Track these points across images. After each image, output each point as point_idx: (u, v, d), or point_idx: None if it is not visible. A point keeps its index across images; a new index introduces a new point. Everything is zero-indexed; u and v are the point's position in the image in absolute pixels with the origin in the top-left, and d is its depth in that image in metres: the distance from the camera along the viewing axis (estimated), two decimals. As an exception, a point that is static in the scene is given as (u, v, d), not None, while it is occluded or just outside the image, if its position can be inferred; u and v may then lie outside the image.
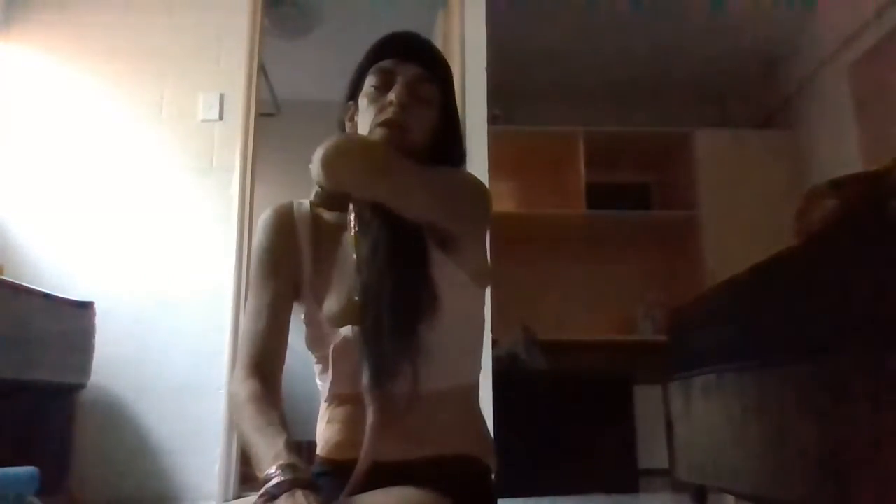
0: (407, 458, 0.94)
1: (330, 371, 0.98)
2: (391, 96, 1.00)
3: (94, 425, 2.43)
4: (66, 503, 2.20)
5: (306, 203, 1.07)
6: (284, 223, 1.06)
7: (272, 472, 0.81)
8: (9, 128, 2.76)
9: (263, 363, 0.98)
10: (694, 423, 2.22)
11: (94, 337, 2.38)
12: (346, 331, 0.97)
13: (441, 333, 0.95)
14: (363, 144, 0.99)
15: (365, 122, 1.02)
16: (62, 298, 2.28)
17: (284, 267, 1.04)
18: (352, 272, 0.97)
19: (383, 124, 0.98)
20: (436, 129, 1.05)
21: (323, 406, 1.04)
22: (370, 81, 1.03)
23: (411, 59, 1.03)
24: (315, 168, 0.92)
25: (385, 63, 1.03)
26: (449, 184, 1.01)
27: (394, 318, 0.92)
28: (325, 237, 1.05)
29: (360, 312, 0.94)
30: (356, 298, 0.95)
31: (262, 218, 1.08)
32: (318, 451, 1.03)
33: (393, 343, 0.91)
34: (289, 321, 1.04)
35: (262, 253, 1.06)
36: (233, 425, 2.51)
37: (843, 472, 1.33)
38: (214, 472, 2.47)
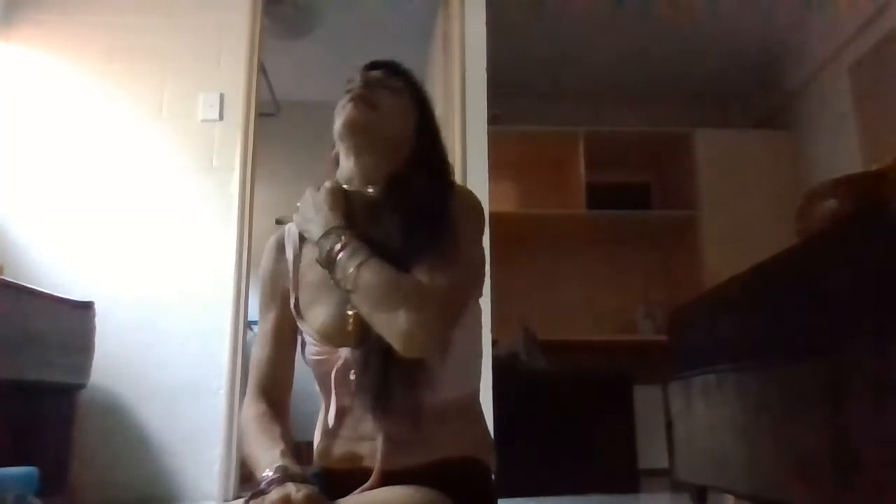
0: (408, 465, 0.94)
1: (332, 391, 0.98)
2: (357, 80, 1.04)
3: (94, 425, 2.43)
4: (66, 503, 2.20)
5: None
6: (278, 246, 1.10)
7: (267, 474, 0.85)
8: (9, 128, 2.76)
9: (269, 387, 1.04)
10: (694, 423, 2.22)
11: (94, 337, 2.38)
12: (345, 352, 0.97)
13: (449, 350, 0.95)
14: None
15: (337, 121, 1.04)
16: (62, 298, 2.27)
17: (280, 291, 1.07)
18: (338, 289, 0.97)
19: (349, 100, 1.01)
20: (415, 128, 1.07)
21: (321, 417, 1.04)
22: (342, 91, 1.07)
23: (374, 68, 1.08)
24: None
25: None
26: (469, 259, 0.98)
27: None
28: (310, 252, 1.04)
29: (359, 333, 0.94)
30: (351, 313, 0.95)
31: (266, 245, 1.12)
32: (315, 458, 1.03)
33: (396, 365, 0.91)
34: (293, 343, 1.06)
35: (262, 280, 1.10)
36: (232, 428, 2.52)
37: (843, 472, 1.33)
38: (214, 472, 2.47)
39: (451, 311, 0.92)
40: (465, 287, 0.96)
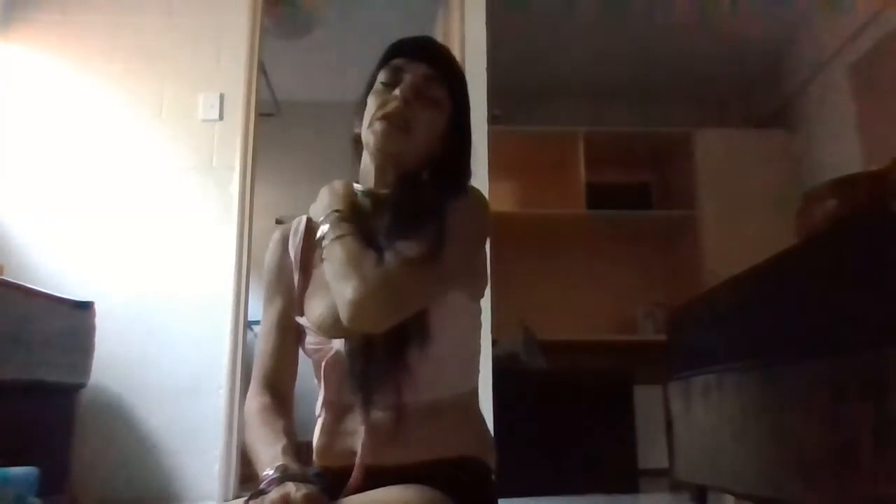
0: (404, 463, 0.93)
1: (322, 382, 1.00)
2: (396, 92, 1.01)
3: (94, 425, 2.43)
4: (66, 503, 2.20)
5: (305, 217, 1.10)
6: (283, 240, 1.11)
7: (267, 473, 0.85)
8: (9, 128, 2.76)
9: (273, 379, 1.04)
10: (694, 423, 2.22)
11: (94, 337, 2.38)
12: (339, 344, 0.98)
13: (433, 347, 0.95)
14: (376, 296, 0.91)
15: (368, 115, 1.03)
16: (62, 298, 2.27)
17: (284, 284, 1.08)
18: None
19: (384, 117, 1.00)
20: (443, 136, 1.06)
21: (317, 414, 1.04)
22: (380, 78, 1.05)
23: (422, 59, 1.04)
24: (345, 317, 0.90)
25: (396, 61, 1.04)
26: (453, 254, 0.95)
27: (381, 335, 0.92)
28: (314, 247, 1.05)
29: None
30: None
31: (272, 239, 1.13)
32: (314, 458, 1.03)
33: (379, 359, 0.92)
34: (297, 336, 1.06)
35: (265, 273, 1.11)
36: (232, 428, 2.52)
37: (842, 471, 1.33)
38: (214, 472, 2.47)
39: (406, 294, 0.90)
40: (435, 276, 0.93)
